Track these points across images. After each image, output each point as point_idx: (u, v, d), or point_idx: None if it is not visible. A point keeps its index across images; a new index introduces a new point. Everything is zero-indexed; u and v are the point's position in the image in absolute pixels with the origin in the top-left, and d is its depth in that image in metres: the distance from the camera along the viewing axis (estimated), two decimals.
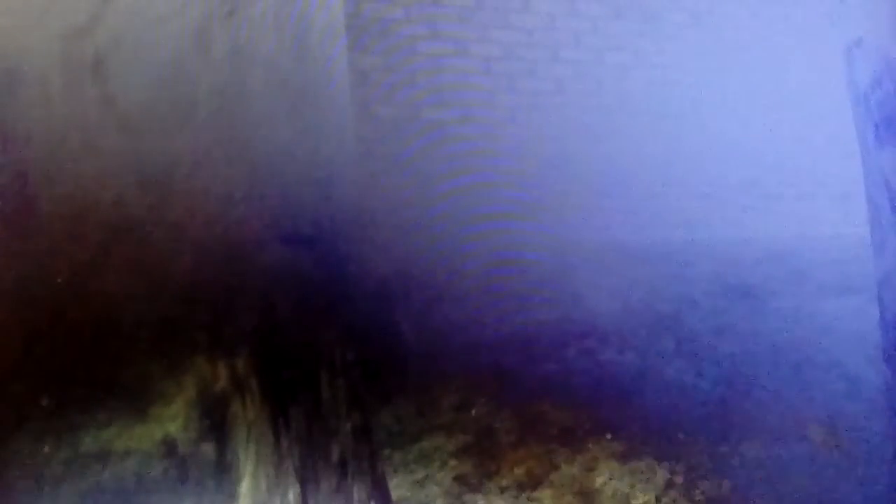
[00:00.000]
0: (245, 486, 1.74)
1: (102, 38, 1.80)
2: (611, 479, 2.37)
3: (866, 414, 2.79)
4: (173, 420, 1.71)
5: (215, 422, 1.74)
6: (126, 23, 1.85)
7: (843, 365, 3.12)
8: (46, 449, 1.58)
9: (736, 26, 4.03)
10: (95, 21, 1.81)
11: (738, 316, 3.07)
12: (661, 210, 3.40)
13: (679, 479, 2.41)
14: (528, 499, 2.25)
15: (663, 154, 3.50)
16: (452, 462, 2.21)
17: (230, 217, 1.95)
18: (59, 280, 1.58)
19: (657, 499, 2.34)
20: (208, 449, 1.73)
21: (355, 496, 1.92)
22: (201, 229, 1.78)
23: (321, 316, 2.04)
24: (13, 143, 1.66)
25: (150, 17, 1.91)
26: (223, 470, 1.73)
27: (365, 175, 2.23)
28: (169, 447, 1.69)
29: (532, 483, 2.28)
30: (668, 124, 3.54)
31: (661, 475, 2.40)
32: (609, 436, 2.47)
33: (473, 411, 2.40)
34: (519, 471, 2.26)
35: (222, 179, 1.98)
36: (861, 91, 3.56)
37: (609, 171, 3.37)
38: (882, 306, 3.21)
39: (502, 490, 2.25)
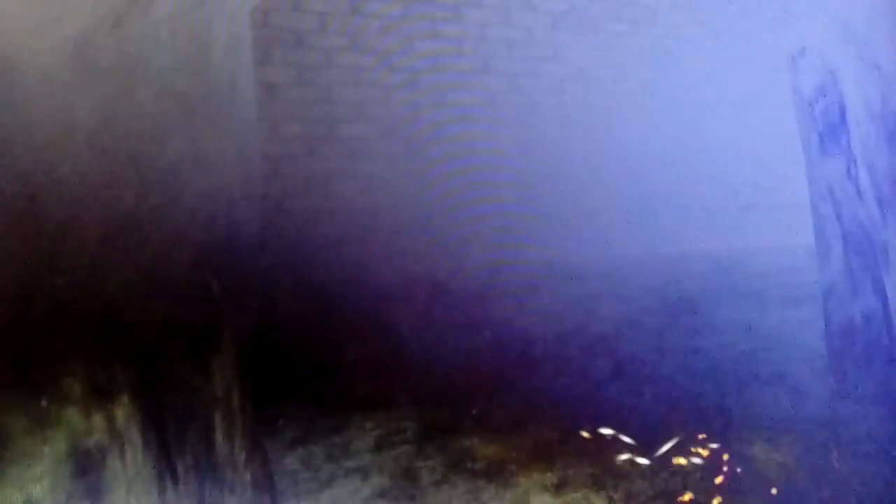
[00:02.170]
0: None
1: None
2: None
3: (810, 426, 2.73)
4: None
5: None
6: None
7: (788, 377, 3.07)
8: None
9: (679, 36, 3.95)
10: None
11: (680, 333, 2.97)
12: (596, 226, 3.29)
13: None
14: None
15: (596, 168, 3.39)
16: None
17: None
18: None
19: None
20: None
21: None
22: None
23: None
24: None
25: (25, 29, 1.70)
26: None
27: (273, 191, 2.05)
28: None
29: None
30: (602, 136, 3.43)
31: None
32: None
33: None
34: None
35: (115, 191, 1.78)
36: (805, 100, 3.50)
37: (546, 190, 3.26)
38: (826, 316, 3.16)
39: None
